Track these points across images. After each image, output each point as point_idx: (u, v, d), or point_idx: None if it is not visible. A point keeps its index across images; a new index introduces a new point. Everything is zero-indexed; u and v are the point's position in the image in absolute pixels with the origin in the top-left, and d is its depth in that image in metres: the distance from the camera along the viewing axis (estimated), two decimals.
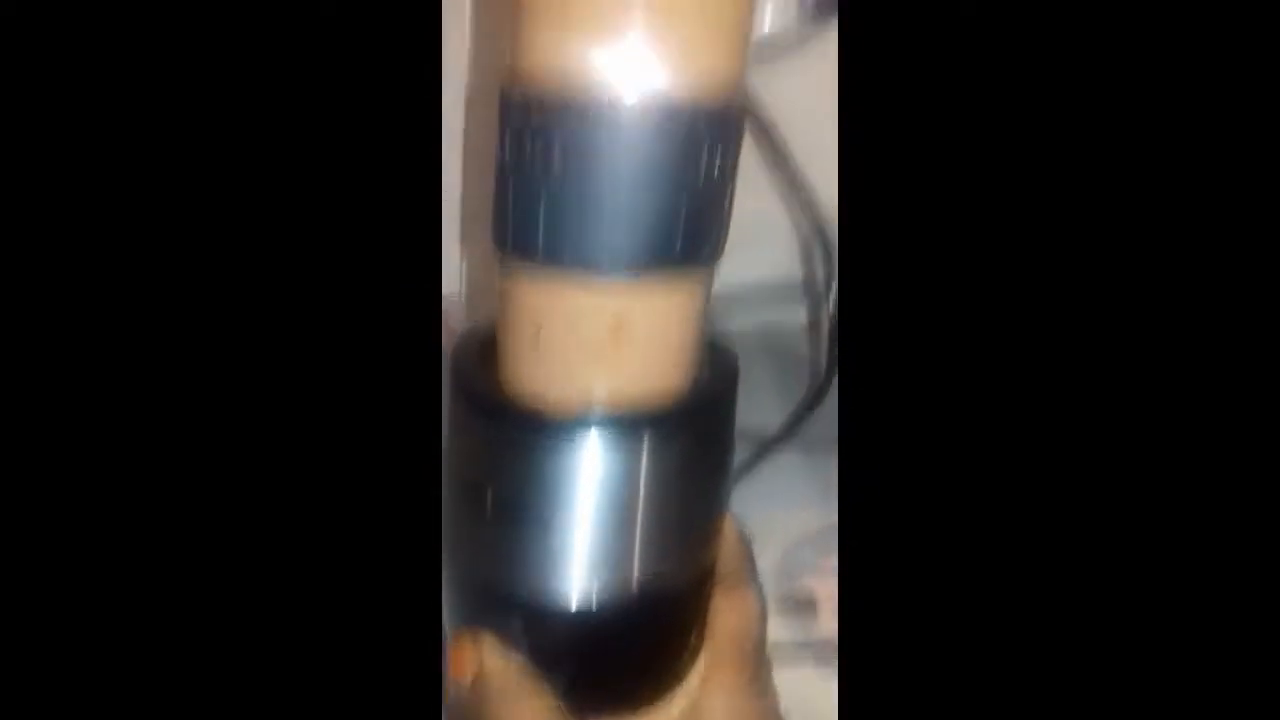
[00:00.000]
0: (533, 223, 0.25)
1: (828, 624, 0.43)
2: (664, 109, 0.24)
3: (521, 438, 0.27)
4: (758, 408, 0.52)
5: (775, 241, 0.58)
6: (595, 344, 0.26)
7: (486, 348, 0.31)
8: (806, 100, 0.64)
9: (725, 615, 0.31)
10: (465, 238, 0.58)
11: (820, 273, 0.42)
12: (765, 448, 0.44)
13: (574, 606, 0.28)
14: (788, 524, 0.50)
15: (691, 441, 0.29)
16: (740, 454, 0.47)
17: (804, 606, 0.43)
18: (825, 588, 0.43)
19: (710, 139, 0.25)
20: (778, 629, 0.43)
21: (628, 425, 0.27)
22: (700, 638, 0.32)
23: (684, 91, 0.24)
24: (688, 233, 0.26)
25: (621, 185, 0.24)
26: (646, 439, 0.27)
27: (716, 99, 0.24)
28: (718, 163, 0.25)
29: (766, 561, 0.47)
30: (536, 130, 0.24)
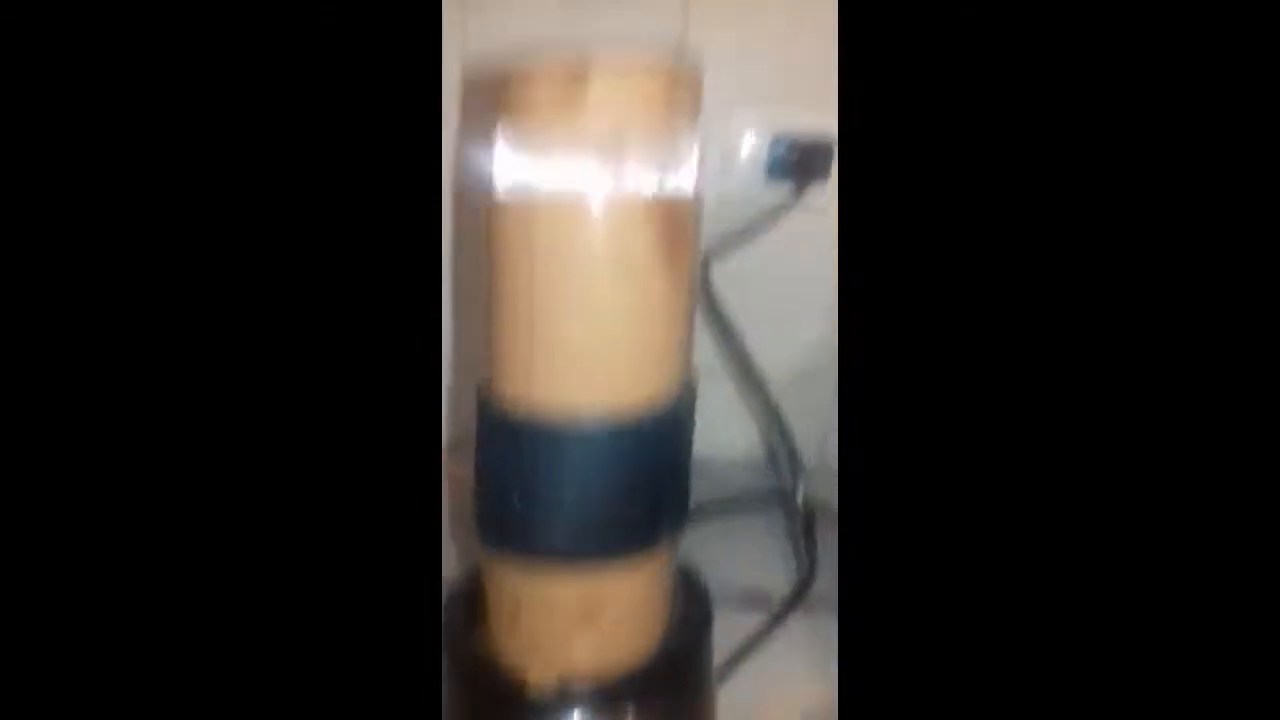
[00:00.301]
0: (508, 519, 0.28)
1: None
2: (617, 422, 0.26)
3: (506, 716, 0.29)
4: (763, 569, 0.53)
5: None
6: (570, 622, 0.29)
7: (477, 601, 0.33)
8: (766, 267, 0.67)
9: None
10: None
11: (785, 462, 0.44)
12: (758, 636, 0.45)
13: None
14: (792, 696, 0.50)
15: (672, 692, 0.31)
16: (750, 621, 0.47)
17: None
18: None
19: (661, 438, 0.27)
20: None
21: (608, 696, 0.29)
22: None
23: (634, 405, 0.26)
24: (649, 518, 0.28)
25: (585, 488, 0.27)
26: (630, 707, 0.29)
27: (664, 403, 0.27)
28: (670, 453, 0.28)
29: None
30: (508, 443, 0.27)
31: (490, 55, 0.56)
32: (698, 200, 0.27)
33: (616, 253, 0.25)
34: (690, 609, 0.33)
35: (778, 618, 0.42)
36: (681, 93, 0.25)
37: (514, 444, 0.27)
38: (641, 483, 0.27)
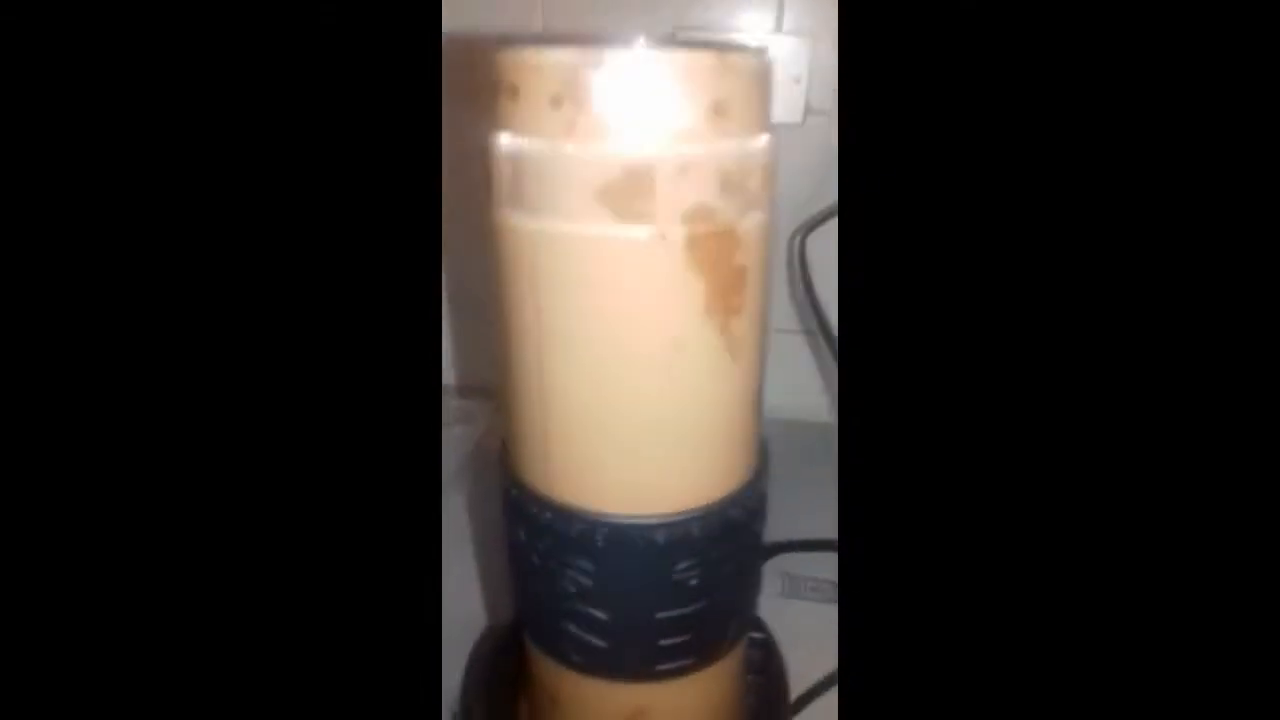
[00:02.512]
0: (540, 620, 0.24)
1: None
2: (653, 528, 0.21)
3: None
4: None
5: None
6: None
7: (517, 665, 0.28)
8: None
9: None
10: None
11: None
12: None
13: None
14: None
15: None
16: None
17: None
18: None
19: (713, 543, 0.21)
20: None
21: None
22: None
23: (677, 507, 0.21)
24: (703, 633, 0.23)
25: (620, 601, 0.22)
26: None
27: (717, 503, 0.21)
28: (726, 559, 0.22)
29: None
30: (532, 537, 0.22)
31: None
32: (769, 230, 0.20)
33: (646, 316, 0.19)
34: (767, 690, 0.28)
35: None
36: (736, 86, 0.18)
37: (536, 542, 0.22)
38: (692, 595, 0.22)
